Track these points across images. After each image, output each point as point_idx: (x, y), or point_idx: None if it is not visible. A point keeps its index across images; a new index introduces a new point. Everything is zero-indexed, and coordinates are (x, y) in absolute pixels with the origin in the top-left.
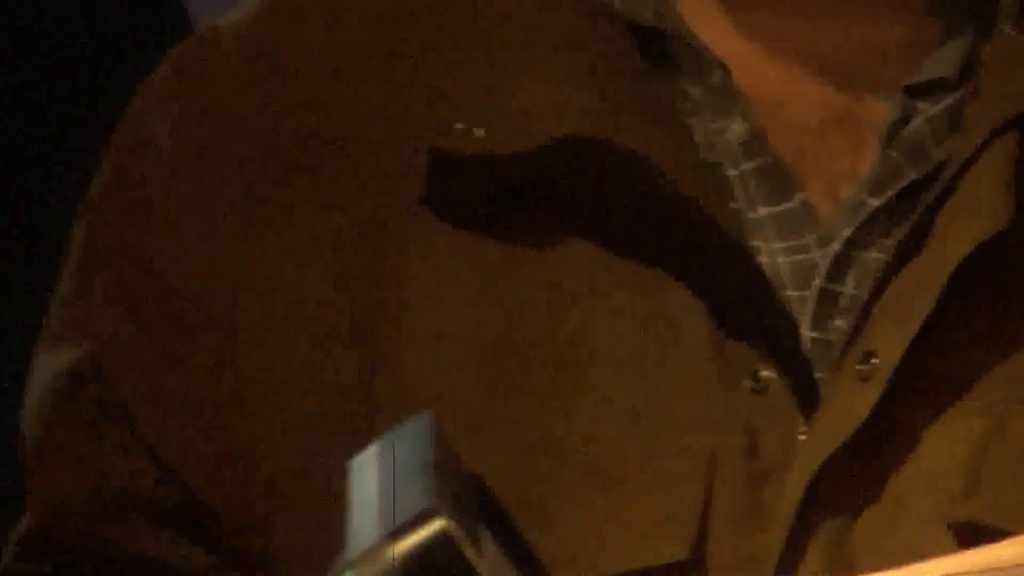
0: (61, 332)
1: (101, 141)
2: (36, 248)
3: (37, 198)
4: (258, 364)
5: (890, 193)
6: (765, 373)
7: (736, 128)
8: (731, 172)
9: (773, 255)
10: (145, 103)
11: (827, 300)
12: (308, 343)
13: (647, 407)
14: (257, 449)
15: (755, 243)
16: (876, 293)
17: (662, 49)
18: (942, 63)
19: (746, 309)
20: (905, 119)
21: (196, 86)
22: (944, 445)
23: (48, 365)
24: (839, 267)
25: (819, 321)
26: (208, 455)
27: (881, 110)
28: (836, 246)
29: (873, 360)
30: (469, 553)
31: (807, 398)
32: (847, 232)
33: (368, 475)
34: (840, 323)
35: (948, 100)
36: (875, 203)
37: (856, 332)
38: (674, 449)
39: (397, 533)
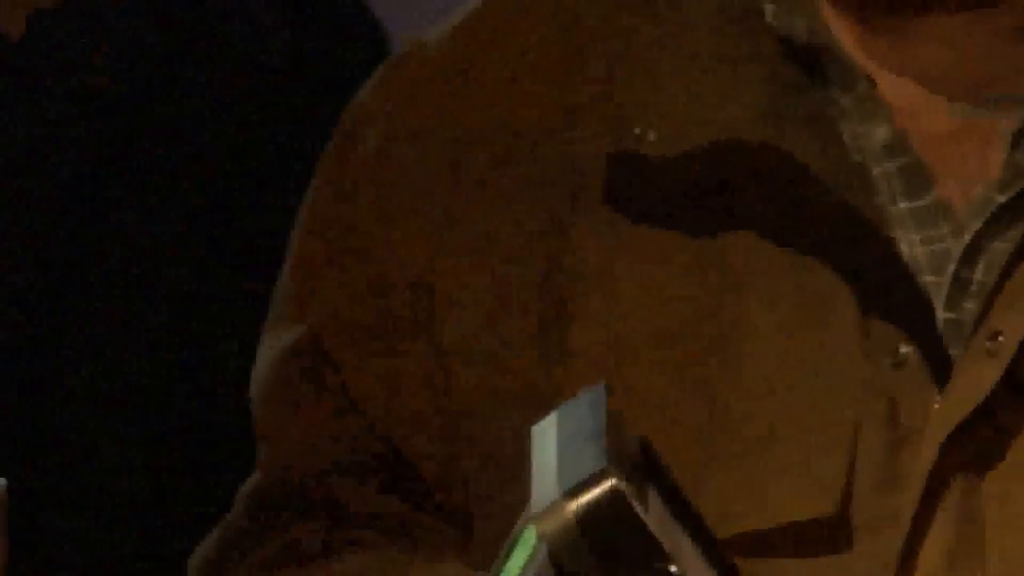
0: (284, 314)
1: (317, 150)
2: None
3: (259, 205)
4: (458, 337)
5: (1015, 191)
6: (904, 349)
7: (880, 132)
8: (875, 171)
9: (912, 245)
10: (356, 113)
11: (959, 285)
12: (499, 319)
13: (799, 380)
14: (457, 412)
15: (896, 234)
16: (1002, 279)
17: (813, 62)
18: None
19: (888, 293)
20: None
21: (402, 93)
22: None
23: (273, 343)
24: (970, 255)
25: (952, 303)
26: (414, 417)
27: (1005, 118)
28: (967, 237)
29: (1000, 338)
30: (638, 508)
31: (941, 372)
32: (977, 225)
33: (548, 440)
34: (971, 305)
35: None
36: (1002, 199)
37: (985, 313)
38: (823, 418)
39: (574, 491)
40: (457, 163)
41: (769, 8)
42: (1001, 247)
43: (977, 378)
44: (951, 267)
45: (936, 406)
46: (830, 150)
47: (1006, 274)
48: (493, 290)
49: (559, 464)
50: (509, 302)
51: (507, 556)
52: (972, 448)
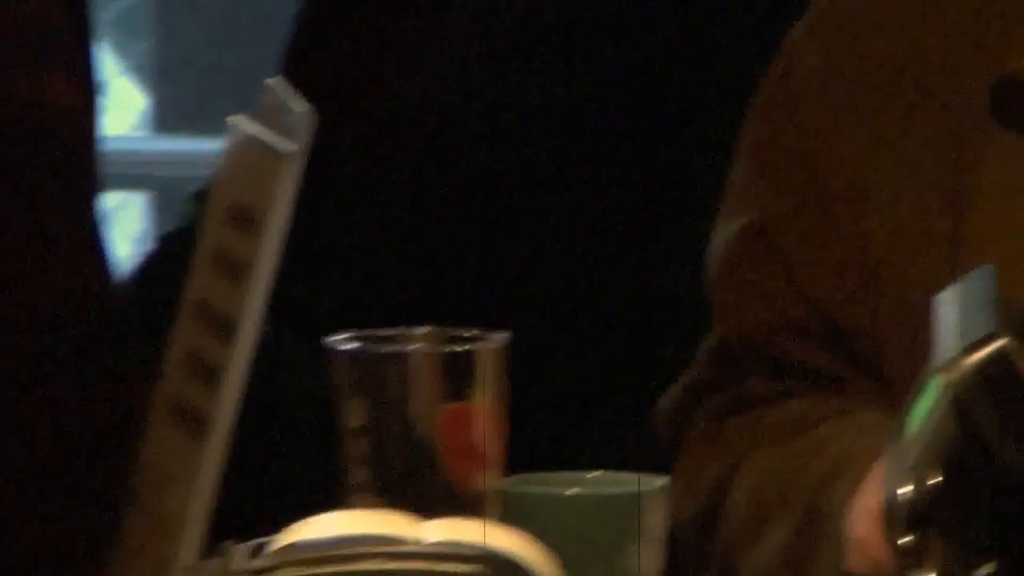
0: (733, 207)
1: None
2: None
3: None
4: (884, 235)
5: None
6: None
7: None
8: None
9: None
10: (794, 39)
11: None
12: (917, 217)
13: None
14: (878, 288)
15: None
16: None
17: None
18: None
19: None
20: None
21: (834, 23)
22: None
23: (723, 230)
24: None
25: None
26: (845, 291)
27: None
28: None
29: None
30: (1022, 365)
31: None
32: None
33: (949, 308)
34: None
35: None
36: None
37: None
38: None
39: (969, 349)
40: (880, 86)
41: None
42: None
43: None
44: None
45: None
46: None
47: None
48: (911, 193)
49: (960, 326)
50: (925, 203)
51: (914, 402)
52: None
